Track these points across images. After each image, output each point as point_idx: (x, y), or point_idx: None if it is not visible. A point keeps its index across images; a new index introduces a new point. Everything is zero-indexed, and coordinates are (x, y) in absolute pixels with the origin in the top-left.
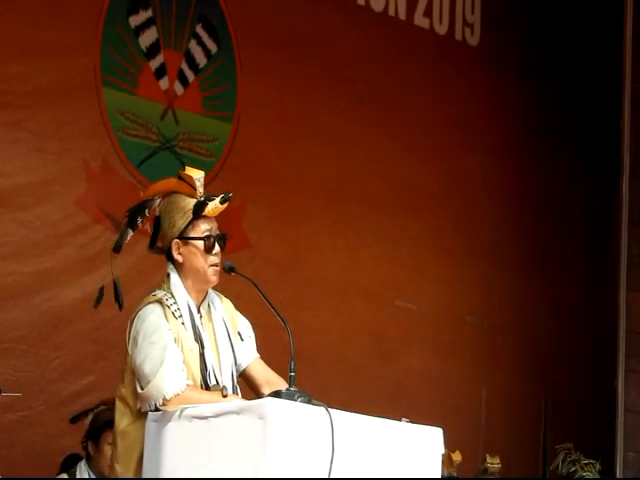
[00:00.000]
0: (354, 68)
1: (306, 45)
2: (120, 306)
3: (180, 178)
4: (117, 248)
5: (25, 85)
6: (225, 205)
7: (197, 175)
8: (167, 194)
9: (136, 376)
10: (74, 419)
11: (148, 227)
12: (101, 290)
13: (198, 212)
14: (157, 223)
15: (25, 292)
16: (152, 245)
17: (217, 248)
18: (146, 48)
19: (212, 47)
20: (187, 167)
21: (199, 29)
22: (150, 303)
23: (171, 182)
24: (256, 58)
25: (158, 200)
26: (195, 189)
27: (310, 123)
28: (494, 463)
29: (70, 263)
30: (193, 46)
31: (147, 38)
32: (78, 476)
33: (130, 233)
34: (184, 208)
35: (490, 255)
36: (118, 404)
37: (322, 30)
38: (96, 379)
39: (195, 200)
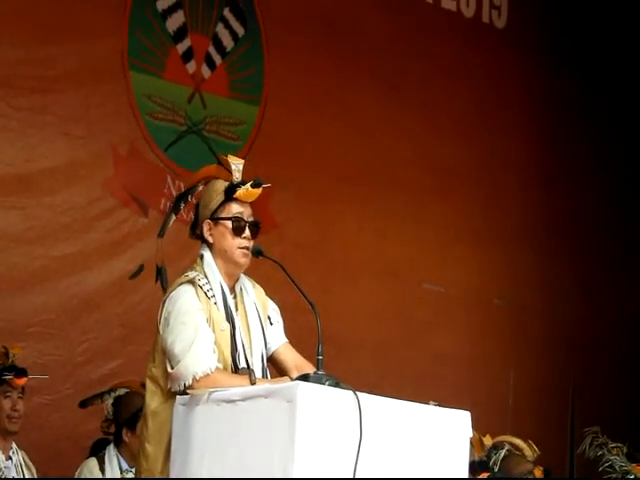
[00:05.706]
0: (381, 51)
1: (333, 28)
2: (164, 290)
3: (219, 163)
4: (161, 233)
5: (52, 69)
6: (258, 190)
7: (236, 161)
8: (208, 181)
9: (167, 356)
10: (83, 403)
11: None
12: (141, 267)
13: (230, 194)
14: (197, 209)
15: (52, 276)
16: (193, 231)
17: (247, 232)
18: (173, 32)
19: (239, 30)
20: (229, 155)
21: (226, 12)
22: (182, 284)
23: (211, 168)
24: (283, 41)
25: (200, 187)
26: (232, 173)
27: (337, 106)
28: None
29: (97, 247)
30: (220, 29)
31: (174, 22)
32: (107, 460)
33: (173, 218)
34: (217, 190)
35: (518, 237)
36: (149, 384)
37: (349, 13)
38: (123, 363)
39: (229, 183)
